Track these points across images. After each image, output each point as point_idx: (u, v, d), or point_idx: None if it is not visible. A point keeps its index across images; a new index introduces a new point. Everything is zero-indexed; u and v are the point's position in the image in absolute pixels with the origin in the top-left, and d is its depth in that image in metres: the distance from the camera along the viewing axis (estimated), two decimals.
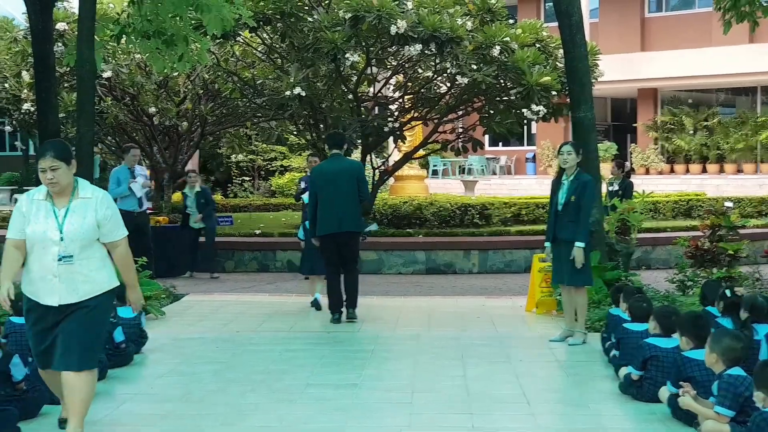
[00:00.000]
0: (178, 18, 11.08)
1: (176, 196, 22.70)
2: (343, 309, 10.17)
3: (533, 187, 29.38)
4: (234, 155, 28.55)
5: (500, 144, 34.17)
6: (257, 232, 17.23)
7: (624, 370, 6.88)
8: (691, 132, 30.88)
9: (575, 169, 8.82)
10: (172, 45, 11.11)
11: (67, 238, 5.39)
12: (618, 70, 27.00)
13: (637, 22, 32.93)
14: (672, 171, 31.20)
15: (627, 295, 8.13)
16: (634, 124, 33.13)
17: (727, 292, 7.27)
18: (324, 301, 10.72)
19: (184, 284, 13.42)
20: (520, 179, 32.48)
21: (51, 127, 11.05)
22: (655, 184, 23.03)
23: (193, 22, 11.92)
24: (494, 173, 33.76)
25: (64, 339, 5.41)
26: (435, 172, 32.43)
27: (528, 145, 35.08)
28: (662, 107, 32.50)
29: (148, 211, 14.49)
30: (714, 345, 5.68)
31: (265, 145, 29.08)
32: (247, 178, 31.82)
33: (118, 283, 5.74)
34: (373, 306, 11.29)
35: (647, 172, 30.89)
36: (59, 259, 5.38)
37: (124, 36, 11.20)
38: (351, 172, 10.11)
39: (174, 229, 15.45)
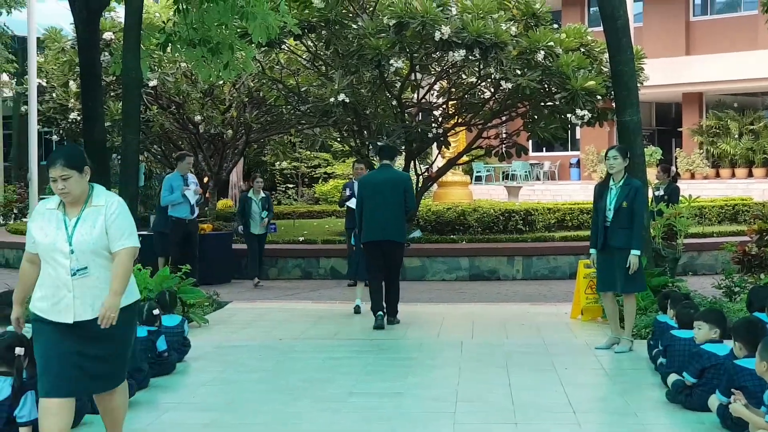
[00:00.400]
0: (223, 26, 11.16)
1: (221, 204, 22.89)
2: (385, 315, 10.26)
3: (577, 192, 29.17)
4: (278, 162, 28.70)
5: (544, 149, 34.04)
6: (301, 239, 17.28)
7: (672, 377, 6.78)
8: (737, 136, 30.56)
9: (623, 174, 8.71)
10: (218, 53, 11.19)
11: (77, 250, 5.00)
12: (662, 74, 26.73)
13: (682, 26, 32.64)
14: (717, 175, 30.87)
15: (674, 302, 8.02)
16: (679, 129, 32.83)
17: None
18: (365, 307, 10.95)
19: (228, 291, 13.49)
20: (564, 185, 32.27)
21: (97, 136, 11.16)
22: (701, 189, 22.75)
23: (238, 30, 12.00)
24: (538, 179, 33.60)
25: (94, 364, 5.07)
26: (478, 178, 32.35)
27: (572, 150, 34.90)
28: (707, 111, 32.18)
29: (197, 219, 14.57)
30: (764, 353, 5.55)
31: (308, 152, 29.19)
32: (291, 186, 31.96)
33: (139, 297, 5.42)
34: (416, 313, 11.26)
35: (692, 176, 30.58)
36: (73, 274, 4.99)
37: (169, 44, 11.32)
38: (398, 182, 10.31)
39: (220, 236, 15.54)
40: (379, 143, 15.54)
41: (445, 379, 7.67)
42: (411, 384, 7.48)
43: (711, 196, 22.28)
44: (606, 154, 8.85)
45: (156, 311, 7.90)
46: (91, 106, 11.22)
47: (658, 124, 35.26)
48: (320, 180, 31.81)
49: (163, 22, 12.34)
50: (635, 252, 8.51)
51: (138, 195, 11.90)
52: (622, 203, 8.59)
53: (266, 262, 15.71)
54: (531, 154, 31.40)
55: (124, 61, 10.78)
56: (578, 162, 34.13)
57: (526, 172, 32.96)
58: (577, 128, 24.55)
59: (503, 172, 33.17)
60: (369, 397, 7.04)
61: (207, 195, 19.44)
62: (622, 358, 8.45)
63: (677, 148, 32.46)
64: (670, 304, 8.11)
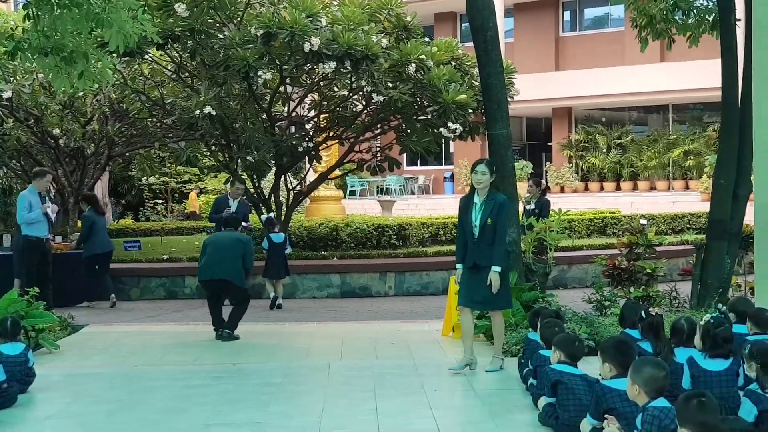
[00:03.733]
0: (78, 34, 10.55)
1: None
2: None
3: (451, 206, 29.09)
4: (146, 178, 27.79)
5: (418, 163, 34.06)
6: (165, 257, 16.58)
7: (543, 401, 6.56)
8: (605, 150, 31.25)
9: (488, 189, 8.44)
10: (72, 62, 10.57)
11: None
12: (533, 89, 27.09)
13: (552, 42, 33.21)
14: (586, 189, 31.49)
15: (544, 319, 7.83)
16: (549, 143, 33.37)
17: (643, 314, 7.02)
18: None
19: (86, 314, 12.78)
20: (438, 198, 32.35)
21: None
22: (570, 202, 23.10)
23: (98, 39, 11.40)
24: (412, 193, 33.61)
25: None
26: (353, 193, 32.13)
27: (446, 164, 35.07)
28: (576, 126, 32.81)
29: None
30: (635, 375, 5.34)
31: (179, 167, 28.40)
32: (161, 201, 31.08)
33: None
34: (284, 333, 10.88)
35: (562, 190, 31.09)
36: None
37: (19, 53, 10.64)
38: (239, 243, 10.81)
39: (80, 255, 14.75)
40: (248, 158, 15.07)
41: (309, 406, 7.26)
42: (273, 413, 7.01)
43: (580, 209, 22.54)
44: (473, 167, 8.50)
45: None
46: None
47: (528, 138, 35.80)
48: (190, 195, 31.02)
49: (12, 28, 11.61)
50: (495, 269, 8.26)
51: None
52: (486, 219, 8.33)
53: (128, 282, 15.03)
54: (405, 168, 31.38)
55: None
56: (452, 176, 34.30)
57: (400, 186, 32.92)
58: (451, 142, 24.61)
59: (377, 187, 33.05)
60: (226, 428, 6.57)
61: (67, 212, 18.58)
62: (493, 378, 8.20)
63: (547, 162, 32.99)
64: (540, 322, 7.90)
